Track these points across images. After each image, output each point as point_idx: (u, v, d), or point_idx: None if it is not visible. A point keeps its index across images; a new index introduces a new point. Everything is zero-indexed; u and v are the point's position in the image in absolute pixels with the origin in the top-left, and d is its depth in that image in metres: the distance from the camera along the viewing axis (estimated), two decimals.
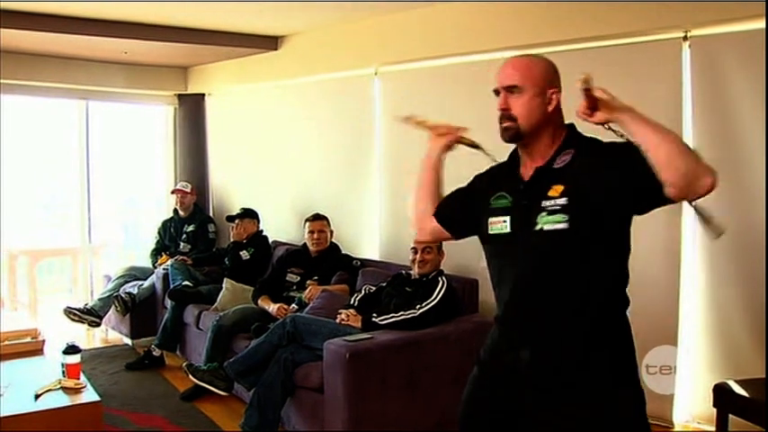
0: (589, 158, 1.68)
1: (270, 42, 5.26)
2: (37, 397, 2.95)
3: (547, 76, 1.75)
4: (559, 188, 1.68)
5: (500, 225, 1.79)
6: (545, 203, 1.69)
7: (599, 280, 1.70)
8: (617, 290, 1.73)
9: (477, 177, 1.95)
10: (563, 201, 1.66)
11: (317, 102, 5.27)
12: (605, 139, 1.68)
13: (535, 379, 1.72)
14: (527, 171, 1.78)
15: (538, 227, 1.69)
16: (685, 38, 3.34)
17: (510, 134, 1.75)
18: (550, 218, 1.68)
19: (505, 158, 1.86)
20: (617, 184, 1.60)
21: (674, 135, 1.52)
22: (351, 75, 4.90)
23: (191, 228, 5.65)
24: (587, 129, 1.70)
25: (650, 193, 1.54)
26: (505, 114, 1.74)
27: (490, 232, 1.81)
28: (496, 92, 1.77)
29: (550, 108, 1.73)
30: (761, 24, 2.98)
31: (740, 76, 3.21)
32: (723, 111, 3.28)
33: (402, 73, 4.59)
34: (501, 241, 1.79)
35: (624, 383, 1.69)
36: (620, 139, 1.63)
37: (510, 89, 1.74)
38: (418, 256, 3.58)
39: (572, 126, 1.78)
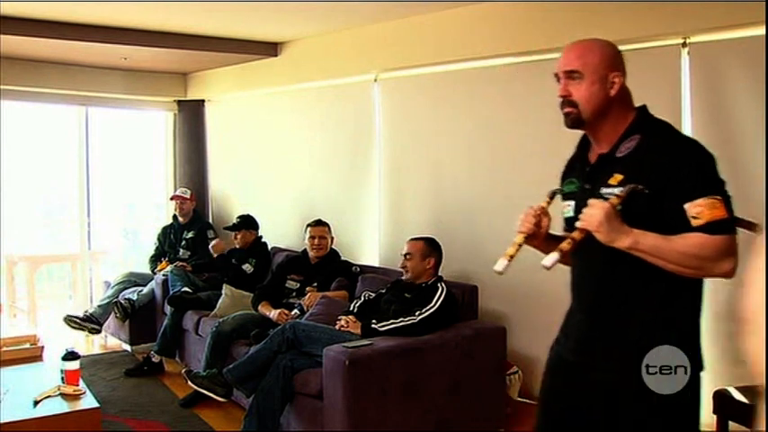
0: (654, 150, 1.66)
1: (269, 49, 5.27)
2: (36, 403, 2.95)
3: (608, 60, 1.73)
4: (619, 177, 1.66)
5: (567, 209, 1.82)
6: (604, 191, 1.68)
7: (650, 274, 1.65)
8: (674, 287, 1.68)
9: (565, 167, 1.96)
10: (619, 190, 1.65)
11: (316, 108, 5.28)
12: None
13: (578, 352, 1.79)
14: (593, 156, 1.79)
15: None
16: (684, 44, 3.33)
17: (571, 120, 1.74)
18: None
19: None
20: (661, 192, 1.61)
21: (681, 258, 1.59)
22: (350, 81, 4.90)
23: (190, 234, 5.64)
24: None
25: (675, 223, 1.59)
26: (566, 100, 1.73)
27: (562, 216, 1.84)
28: (557, 77, 1.75)
29: (612, 92, 1.71)
30: (760, 31, 2.98)
31: (740, 82, 3.20)
32: (722, 118, 3.27)
33: (402, 79, 4.59)
34: (569, 225, 1.81)
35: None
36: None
37: (570, 74, 1.72)
38: (402, 262, 3.66)
39: (642, 109, 1.76)
